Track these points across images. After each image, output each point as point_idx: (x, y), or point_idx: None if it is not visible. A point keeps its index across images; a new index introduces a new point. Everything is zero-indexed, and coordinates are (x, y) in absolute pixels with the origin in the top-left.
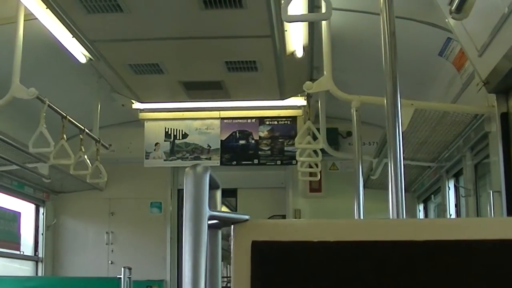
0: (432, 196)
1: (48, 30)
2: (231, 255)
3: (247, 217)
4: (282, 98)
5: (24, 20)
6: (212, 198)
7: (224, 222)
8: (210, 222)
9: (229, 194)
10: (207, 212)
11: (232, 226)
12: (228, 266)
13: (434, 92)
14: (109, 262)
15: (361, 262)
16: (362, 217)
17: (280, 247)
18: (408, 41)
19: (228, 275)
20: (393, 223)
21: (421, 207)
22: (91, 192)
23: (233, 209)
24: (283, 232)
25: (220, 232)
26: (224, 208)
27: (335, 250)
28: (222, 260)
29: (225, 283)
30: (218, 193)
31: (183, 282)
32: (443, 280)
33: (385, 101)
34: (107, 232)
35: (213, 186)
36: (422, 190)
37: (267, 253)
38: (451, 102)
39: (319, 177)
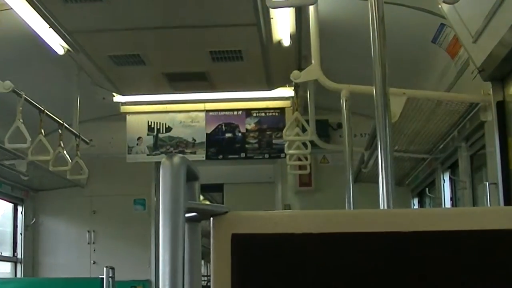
0: (427, 189)
1: (23, 20)
2: (211, 249)
3: (226, 209)
4: (270, 88)
5: None
6: (190, 190)
7: (203, 215)
8: (188, 215)
9: (215, 190)
10: (184, 204)
11: (211, 219)
12: (209, 265)
13: (427, 81)
14: (91, 262)
15: (346, 255)
16: None
17: (261, 240)
18: (400, 28)
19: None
20: (380, 213)
21: (415, 201)
22: (71, 189)
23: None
24: (265, 224)
25: (199, 226)
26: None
27: (319, 243)
28: (203, 258)
29: (206, 282)
30: (197, 185)
31: (160, 279)
32: (432, 272)
33: (374, 90)
34: (88, 231)
35: (191, 177)
36: (417, 183)
37: (248, 246)
38: (445, 91)
39: (309, 170)
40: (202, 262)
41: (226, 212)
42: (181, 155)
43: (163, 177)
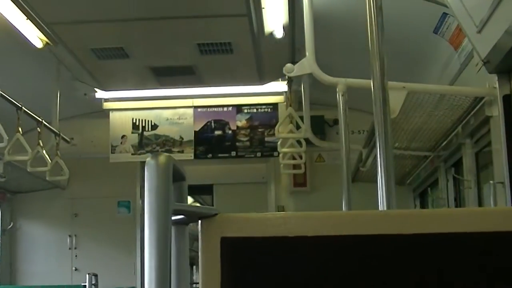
0: (429, 189)
1: None
2: (199, 253)
3: (215, 211)
4: (261, 83)
5: None
6: (177, 191)
7: (191, 217)
8: (175, 217)
9: (204, 191)
10: (171, 205)
11: (199, 222)
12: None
13: (429, 74)
14: (73, 268)
15: (344, 259)
16: None
17: (253, 244)
18: (399, 18)
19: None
20: (379, 214)
21: (417, 201)
22: (51, 191)
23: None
24: (256, 227)
25: (187, 229)
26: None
27: (314, 246)
28: (194, 264)
29: None
30: (184, 186)
31: (145, 286)
32: (435, 277)
33: (372, 84)
34: (70, 236)
35: (178, 177)
36: (418, 183)
37: (238, 250)
38: (448, 84)
39: (304, 170)
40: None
41: (216, 214)
42: (167, 154)
43: (148, 177)
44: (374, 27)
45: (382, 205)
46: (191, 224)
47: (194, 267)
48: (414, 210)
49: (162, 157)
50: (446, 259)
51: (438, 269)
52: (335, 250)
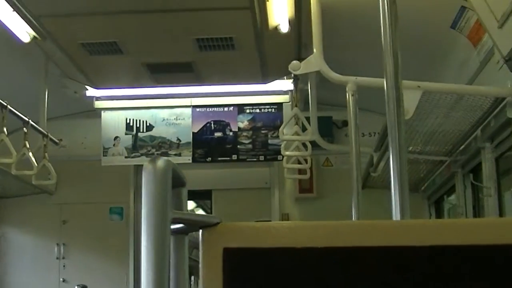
0: (445, 196)
1: None
2: (200, 265)
3: (217, 219)
4: (265, 81)
5: None
6: (176, 198)
7: (191, 226)
8: (174, 226)
9: (203, 197)
10: (170, 213)
11: (200, 231)
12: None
13: (446, 72)
14: (61, 279)
15: (354, 272)
16: None
17: (257, 255)
18: (414, 12)
19: None
20: (392, 224)
21: (432, 210)
22: (38, 196)
23: (209, 213)
24: (261, 237)
25: (186, 239)
26: (200, 212)
27: (323, 258)
28: (193, 274)
29: None
30: (184, 192)
31: None
32: None
33: (385, 83)
34: (57, 244)
35: (177, 183)
36: (434, 190)
37: (242, 262)
38: (467, 84)
39: (310, 175)
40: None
41: (217, 223)
42: (165, 157)
43: (145, 183)
44: (387, 21)
45: (395, 214)
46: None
47: (193, 277)
48: (429, 220)
49: (161, 162)
50: (464, 273)
51: (456, 284)
52: (345, 263)
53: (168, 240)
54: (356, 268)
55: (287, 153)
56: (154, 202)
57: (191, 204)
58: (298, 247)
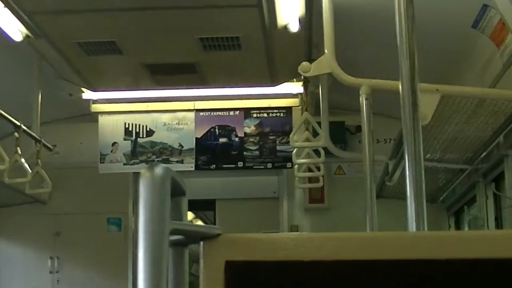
0: (466, 207)
1: None
2: (200, 279)
3: (219, 230)
4: (273, 83)
5: None
6: (176, 208)
7: (191, 238)
8: (173, 238)
9: (206, 207)
10: (168, 224)
11: (201, 243)
12: None
13: (466, 75)
14: None
15: (366, 287)
16: None
17: (262, 269)
18: (432, 10)
19: None
20: (408, 237)
21: (452, 221)
22: (30, 206)
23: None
24: (266, 250)
25: (186, 251)
26: (199, 223)
27: (334, 272)
28: None
29: None
30: (184, 202)
31: None
32: None
33: (401, 86)
34: (51, 257)
35: (177, 192)
36: (453, 200)
37: (245, 276)
38: (489, 87)
39: (322, 184)
40: None
41: (219, 234)
42: (164, 165)
43: (142, 192)
44: (403, 21)
45: (411, 226)
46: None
47: None
48: (448, 232)
49: (159, 169)
50: None
51: None
52: (357, 277)
53: (167, 252)
54: (368, 283)
55: (298, 160)
56: (151, 212)
57: (189, 215)
58: (306, 260)
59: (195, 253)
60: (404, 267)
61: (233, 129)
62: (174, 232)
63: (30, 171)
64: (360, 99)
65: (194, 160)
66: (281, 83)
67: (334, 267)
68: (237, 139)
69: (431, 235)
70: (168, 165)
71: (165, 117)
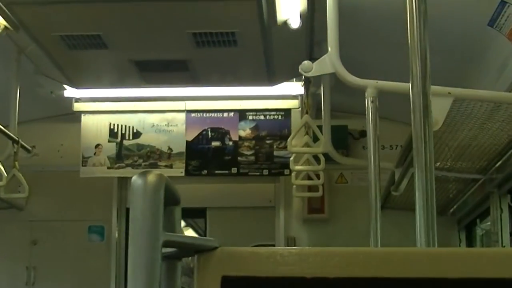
0: (478, 220)
1: None
2: None
3: (216, 243)
4: (271, 83)
5: None
6: (168, 218)
7: (185, 251)
8: (166, 250)
9: (196, 216)
10: (161, 236)
11: (195, 256)
12: None
13: (481, 77)
14: None
15: None
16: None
17: (260, 285)
18: (445, 7)
19: None
20: (416, 253)
21: (463, 236)
22: (5, 212)
23: (202, 235)
24: (265, 264)
25: (179, 265)
26: (190, 233)
27: None
28: None
29: None
30: (177, 211)
31: None
32: None
33: (410, 88)
34: (27, 268)
35: (170, 201)
36: (465, 213)
37: None
38: (505, 90)
39: (322, 192)
40: None
41: (216, 248)
42: (158, 172)
43: (134, 201)
44: (414, 18)
45: (419, 240)
46: None
47: None
48: (460, 249)
49: (152, 176)
50: None
51: None
52: None
53: (159, 266)
54: None
55: (296, 167)
56: (143, 222)
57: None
58: (308, 277)
59: (186, 266)
60: (413, 286)
61: (227, 132)
62: (166, 244)
63: (6, 174)
64: (366, 101)
65: (184, 165)
66: (279, 83)
67: (338, 285)
68: (231, 143)
69: (443, 252)
70: (154, 170)
71: (154, 117)
